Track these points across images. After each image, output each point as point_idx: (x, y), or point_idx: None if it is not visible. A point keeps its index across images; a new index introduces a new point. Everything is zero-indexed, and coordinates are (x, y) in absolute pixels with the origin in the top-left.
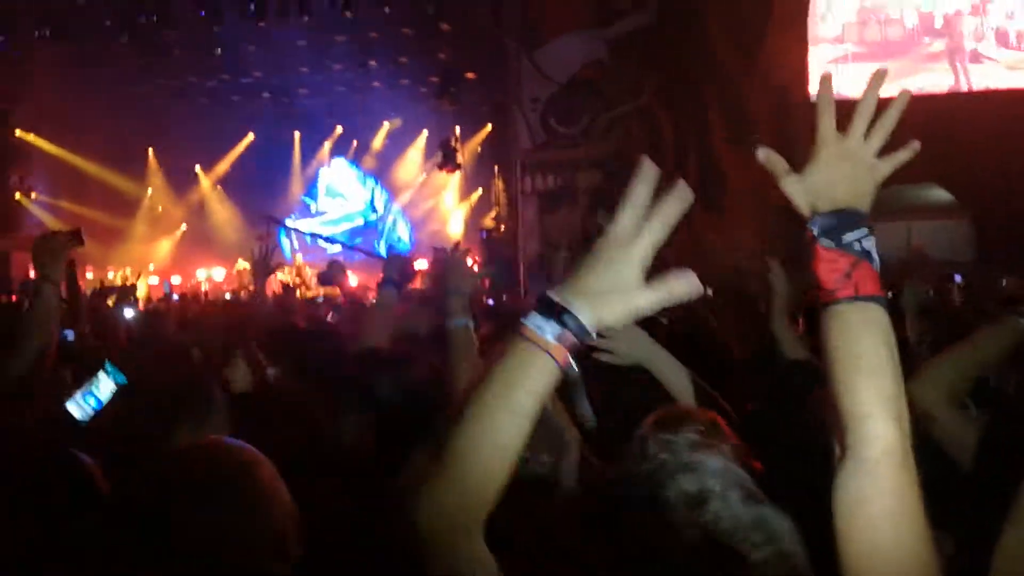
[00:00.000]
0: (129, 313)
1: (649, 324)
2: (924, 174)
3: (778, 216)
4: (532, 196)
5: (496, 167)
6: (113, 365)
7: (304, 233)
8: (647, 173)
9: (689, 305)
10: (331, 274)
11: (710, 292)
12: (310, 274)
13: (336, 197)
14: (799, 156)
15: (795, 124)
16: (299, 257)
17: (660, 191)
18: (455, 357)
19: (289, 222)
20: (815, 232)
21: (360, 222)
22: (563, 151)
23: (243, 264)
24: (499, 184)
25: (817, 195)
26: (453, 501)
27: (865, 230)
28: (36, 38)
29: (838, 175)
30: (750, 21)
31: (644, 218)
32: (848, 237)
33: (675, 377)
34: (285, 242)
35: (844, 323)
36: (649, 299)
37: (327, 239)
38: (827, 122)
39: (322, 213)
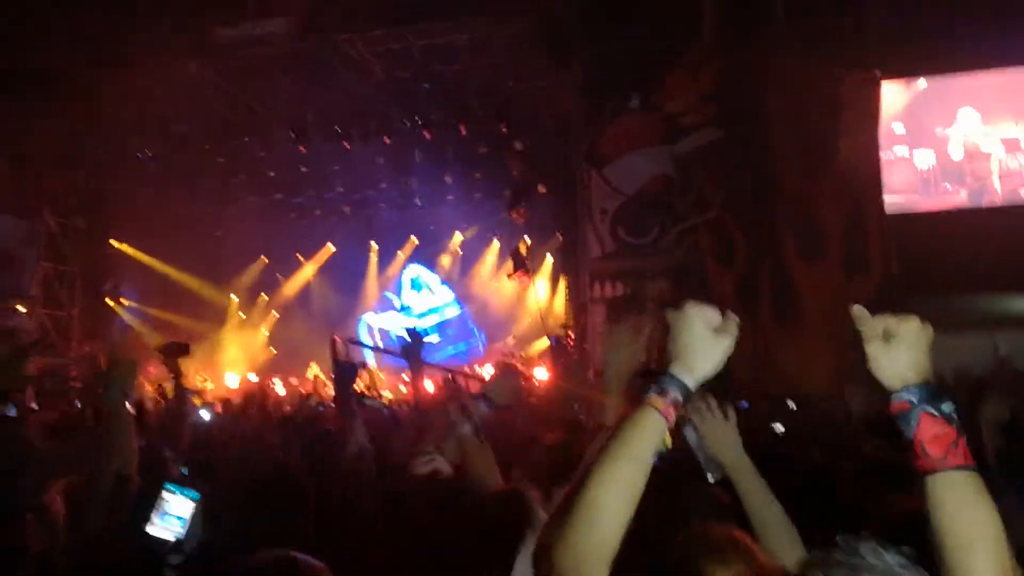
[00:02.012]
0: (206, 416)
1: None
2: (1012, 284)
3: (850, 331)
4: (600, 303)
5: (564, 276)
6: (176, 484)
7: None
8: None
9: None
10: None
11: (792, 405)
12: (383, 380)
13: (422, 289)
14: (874, 269)
15: (869, 236)
16: (373, 363)
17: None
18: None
19: (372, 317)
20: (914, 400)
21: (452, 312)
22: (632, 260)
23: (315, 369)
24: (566, 293)
25: (907, 366)
26: (591, 541)
27: (953, 403)
28: (138, 158)
29: (917, 351)
30: (818, 130)
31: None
32: (946, 408)
33: (750, 484)
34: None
35: (962, 492)
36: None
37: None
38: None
39: (407, 308)
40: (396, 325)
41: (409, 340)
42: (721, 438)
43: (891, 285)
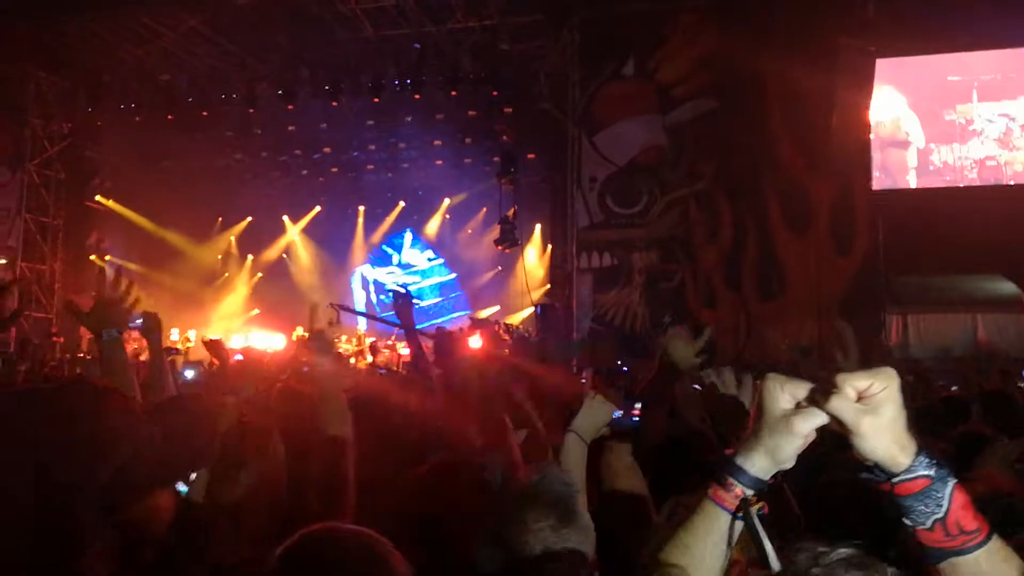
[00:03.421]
0: (190, 374)
1: None
2: (991, 266)
3: (834, 307)
4: (587, 273)
5: (551, 244)
6: None
7: (363, 313)
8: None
9: None
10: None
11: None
12: (368, 344)
13: (425, 250)
14: (859, 246)
15: (856, 212)
16: (361, 328)
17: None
18: None
19: (368, 269)
20: (933, 473)
21: (452, 276)
22: (619, 230)
23: (300, 331)
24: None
25: (903, 431)
26: None
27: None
28: (121, 109)
29: (902, 418)
30: (812, 111)
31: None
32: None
33: None
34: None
35: (1003, 559)
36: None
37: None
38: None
39: (407, 265)
40: (392, 280)
41: (397, 300)
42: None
43: (875, 262)
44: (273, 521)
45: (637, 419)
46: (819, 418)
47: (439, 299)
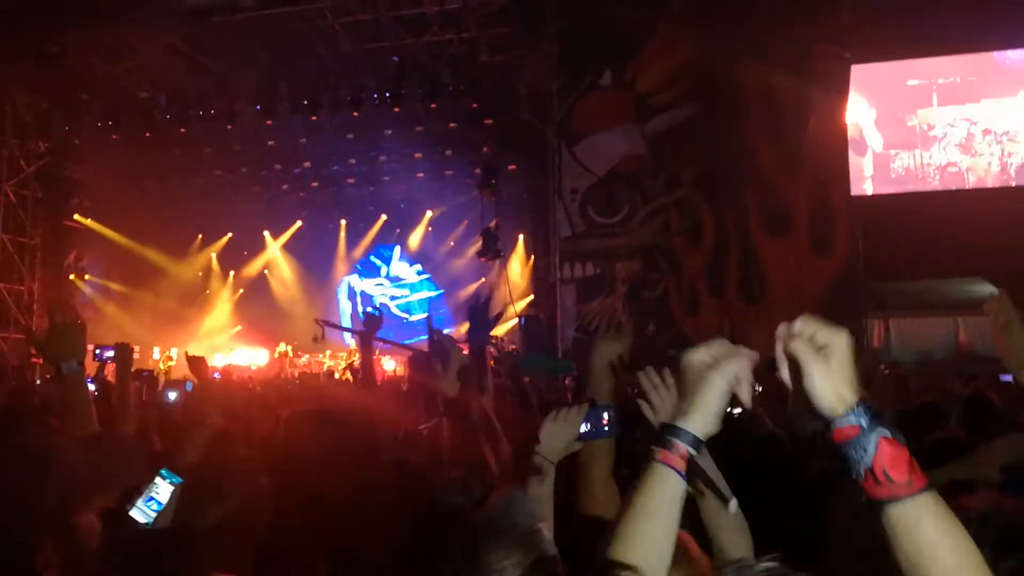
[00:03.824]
0: (172, 396)
1: None
2: (972, 268)
3: (816, 311)
4: (570, 284)
5: (534, 255)
6: (169, 471)
7: (348, 329)
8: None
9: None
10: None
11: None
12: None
13: (413, 264)
14: (839, 250)
15: (835, 217)
16: (350, 343)
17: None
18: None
19: (356, 280)
20: (864, 423)
21: (439, 292)
22: (601, 240)
23: (284, 347)
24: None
25: (844, 382)
26: None
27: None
28: (99, 127)
29: (850, 365)
30: (790, 117)
31: (716, 357)
32: (893, 429)
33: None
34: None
35: (935, 514)
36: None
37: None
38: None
39: (397, 278)
40: (381, 292)
41: (368, 321)
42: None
43: (855, 267)
44: (245, 550)
45: (607, 429)
46: (731, 370)
47: (427, 315)
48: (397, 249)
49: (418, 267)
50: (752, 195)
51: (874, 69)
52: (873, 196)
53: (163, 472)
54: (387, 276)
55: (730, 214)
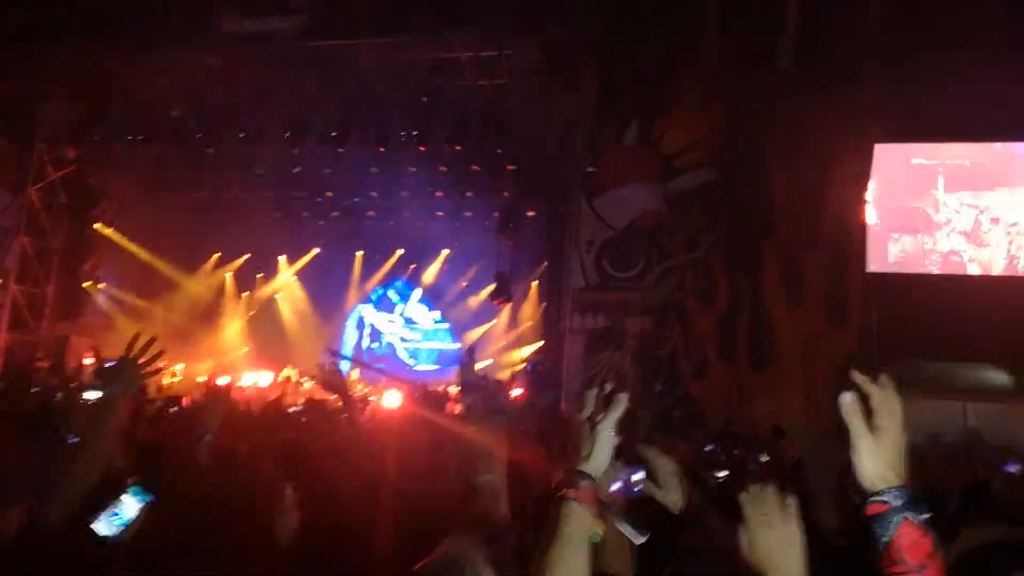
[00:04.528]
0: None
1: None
2: (983, 353)
3: (826, 384)
4: (580, 334)
5: (545, 302)
6: (139, 487)
7: (358, 361)
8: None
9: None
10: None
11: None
12: (359, 389)
13: (432, 311)
14: (853, 323)
15: (850, 291)
16: (355, 373)
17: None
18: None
19: (369, 311)
20: (895, 503)
21: (456, 345)
22: (614, 293)
23: (289, 371)
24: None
25: (888, 464)
26: None
27: (929, 512)
28: (128, 140)
29: (900, 449)
30: (811, 185)
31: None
32: (924, 516)
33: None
34: (344, 364)
35: None
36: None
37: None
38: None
39: (412, 321)
40: (391, 329)
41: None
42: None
43: (868, 342)
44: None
45: (636, 490)
46: (608, 427)
47: (435, 367)
48: (418, 291)
49: (437, 315)
50: (769, 262)
51: (878, 148)
52: (887, 274)
53: (132, 488)
54: (402, 315)
55: (745, 279)
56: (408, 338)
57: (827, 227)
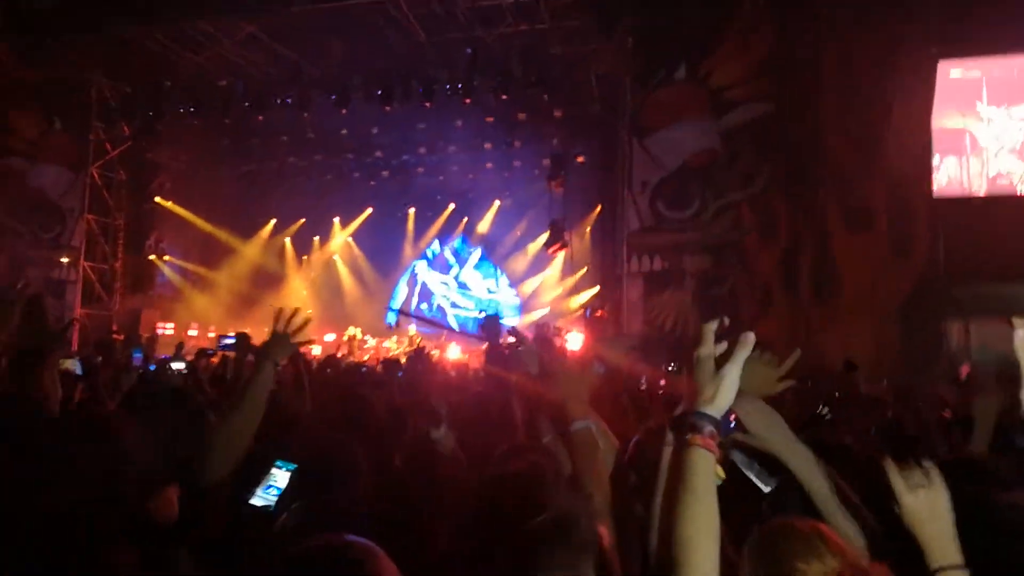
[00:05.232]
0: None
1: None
2: None
3: (895, 312)
4: (637, 277)
5: (601, 248)
6: (284, 459)
7: (416, 316)
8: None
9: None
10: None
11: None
12: (419, 342)
13: (487, 279)
14: (919, 250)
15: (915, 216)
16: (412, 328)
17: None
18: (579, 460)
19: (423, 269)
20: None
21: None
22: (670, 234)
23: (353, 331)
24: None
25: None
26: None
27: None
28: (180, 113)
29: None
30: (870, 113)
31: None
32: None
33: (807, 470)
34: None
35: None
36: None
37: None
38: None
39: (465, 286)
40: (443, 292)
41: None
42: (768, 426)
43: (936, 268)
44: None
45: (732, 426)
46: (739, 361)
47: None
48: (476, 254)
49: (492, 283)
50: (829, 193)
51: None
52: (955, 197)
53: (278, 463)
54: (456, 278)
55: (806, 212)
56: (460, 304)
57: (889, 153)
